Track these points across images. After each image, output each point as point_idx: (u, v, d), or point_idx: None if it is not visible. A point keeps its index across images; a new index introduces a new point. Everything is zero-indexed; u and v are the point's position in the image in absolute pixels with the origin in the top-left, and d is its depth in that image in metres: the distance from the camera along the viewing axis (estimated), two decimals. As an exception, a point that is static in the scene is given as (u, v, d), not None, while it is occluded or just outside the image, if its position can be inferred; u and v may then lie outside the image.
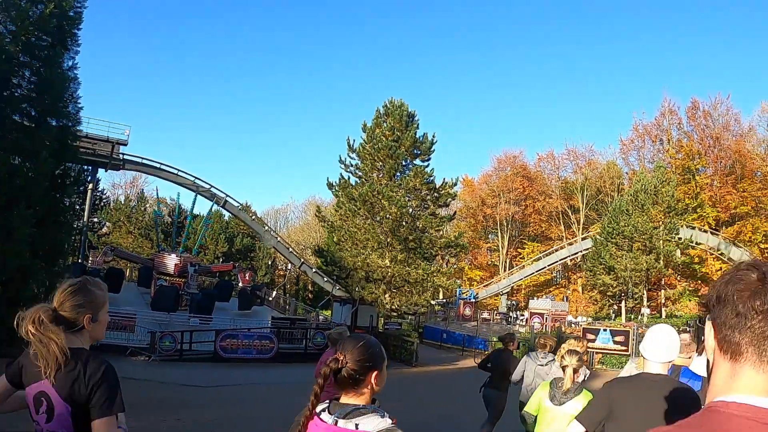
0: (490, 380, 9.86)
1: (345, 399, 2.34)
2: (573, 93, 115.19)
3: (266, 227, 55.59)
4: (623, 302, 50.78)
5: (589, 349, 27.39)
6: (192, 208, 50.82)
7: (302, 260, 51.30)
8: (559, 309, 46.52)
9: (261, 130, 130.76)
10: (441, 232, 36.51)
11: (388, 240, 32.77)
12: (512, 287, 64.27)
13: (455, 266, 68.28)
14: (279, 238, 53.94)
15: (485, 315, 52.82)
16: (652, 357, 3.58)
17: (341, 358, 2.30)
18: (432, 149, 35.13)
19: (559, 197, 71.58)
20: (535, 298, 52.88)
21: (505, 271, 68.28)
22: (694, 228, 52.45)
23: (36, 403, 2.64)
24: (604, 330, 27.31)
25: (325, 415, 2.27)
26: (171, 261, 42.31)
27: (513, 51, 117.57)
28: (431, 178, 34.47)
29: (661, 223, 48.54)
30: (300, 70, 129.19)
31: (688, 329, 46.55)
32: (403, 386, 20.29)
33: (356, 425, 2.19)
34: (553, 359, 7.90)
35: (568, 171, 75.16)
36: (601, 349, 27.24)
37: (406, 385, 20.61)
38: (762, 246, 53.86)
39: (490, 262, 77.51)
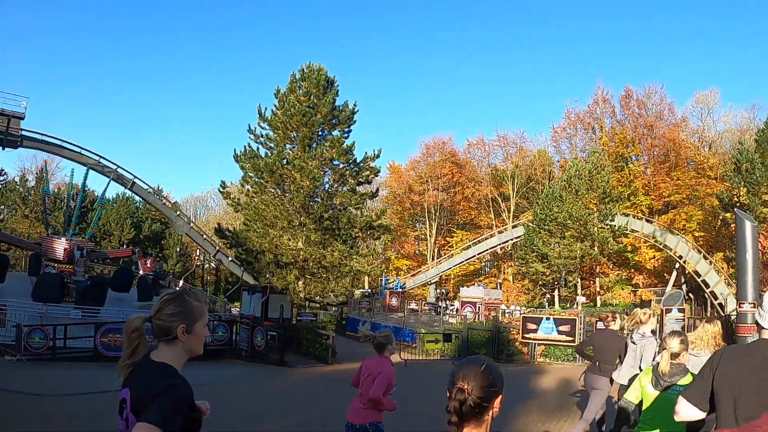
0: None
1: (470, 430, 2.23)
2: (505, 79, 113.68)
3: (178, 212, 50.92)
4: (557, 291, 48.79)
5: (538, 341, 24.79)
6: (104, 192, 46.39)
7: (217, 248, 47.07)
8: (492, 297, 43.87)
9: (179, 115, 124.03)
10: (361, 211, 32.71)
11: (301, 219, 28.79)
12: (441, 277, 61.77)
13: (377, 250, 65.14)
14: (193, 225, 49.60)
15: (413, 305, 49.75)
16: None
17: (466, 387, 2.18)
18: (353, 119, 31.24)
19: (489, 184, 69.56)
20: (466, 286, 50.02)
21: (433, 260, 65.65)
22: (628, 215, 50.83)
23: (120, 408, 2.67)
24: (547, 319, 24.03)
25: None
26: (60, 246, 37.47)
27: (444, 35, 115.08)
28: (351, 151, 30.59)
29: (595, 209, 46.64)
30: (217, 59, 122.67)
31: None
32: (313, 388, 16.65)
33: None
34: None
35: (498, 158, 73.66)
36: (543, 340, 23.99)
37: (316, 388, 16.95)
38: (696, 234, 53.17)
39: (417, 251, 75.38)
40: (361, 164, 30.78)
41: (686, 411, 3.34)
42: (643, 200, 58.22)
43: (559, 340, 23.37)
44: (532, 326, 23.98)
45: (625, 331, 9.64)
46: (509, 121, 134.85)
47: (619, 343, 8.96)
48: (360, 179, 31.06)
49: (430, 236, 70.93)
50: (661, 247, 49.74)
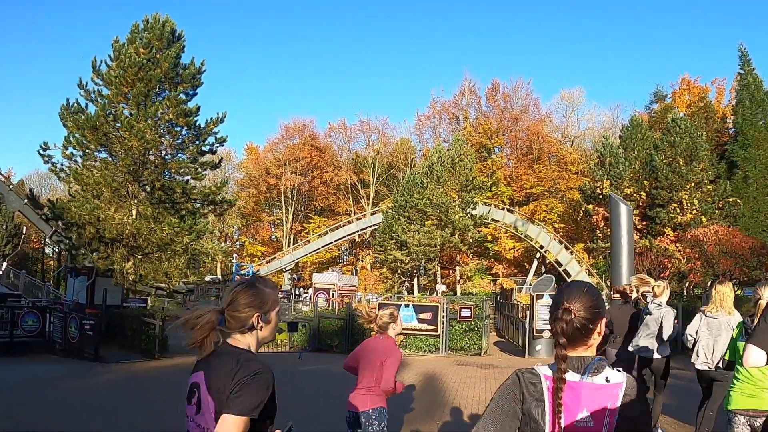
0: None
1: (575, 354, 2.20)
2: (372, 65, 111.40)
3: (11, 186, 44.79)
4: (416, 279, 47.27)
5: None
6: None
7: (54, 228, 41.58)
8: (347, 284, 41.64)
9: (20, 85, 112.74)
10: (201, 182, 28.85)
11: (130, 188, 24.85)
12: (297, 264, 59.22)
13: (229, 232, 61.28)
14: (27, 201, 43.96)
15: (266, 294, 46.43)
16: None
17: (572, 307, 2.19)
18: (199, 80, 27.43)
19: (349, 170, 67.54)
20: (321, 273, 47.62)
21: (289, 246, 62.65)
22: (490, 205, 50.29)
23: (189, 393, 2.62)
24: (407, 306, 21.65)
25: (569, 375, 2.14)
26: None
27: (313, 17, 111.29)
28: (194, 114, 26.82)
29: (457, 197, 45.51)
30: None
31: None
32: (124, 390, 13.31)
33: (606, 378, 2.15)
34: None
35: (360, 144, 72.18)
36: (402, 329, 21.73)
37: (129, 389, 13.59)
38: (557, 225, 53.87)
39: (273, 237, 72.68)
40: (204, 129, 27.05)
41: (756, 356, 3.42)
42: (505, 191, 58.34)
43: (420, 330, 21.08)
44: (391, 314, 21.68)
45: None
46: (374, 107, 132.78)
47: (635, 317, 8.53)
48: (203, 148, 27.30)
49: (286, 222, 68.26)
50: (522, 237, 49.72)
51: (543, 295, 20.45)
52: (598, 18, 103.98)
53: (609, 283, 26.07)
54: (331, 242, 57.91)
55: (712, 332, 6.81)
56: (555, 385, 2.11)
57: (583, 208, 45.74)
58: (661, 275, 24.32)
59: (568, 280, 43.21)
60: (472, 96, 67.32)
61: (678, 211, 38.72)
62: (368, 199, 65.61)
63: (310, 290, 44.49)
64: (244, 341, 2.65)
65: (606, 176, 42.33)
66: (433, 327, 21.05)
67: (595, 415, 2.11)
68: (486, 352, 21.90)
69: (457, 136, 53.68)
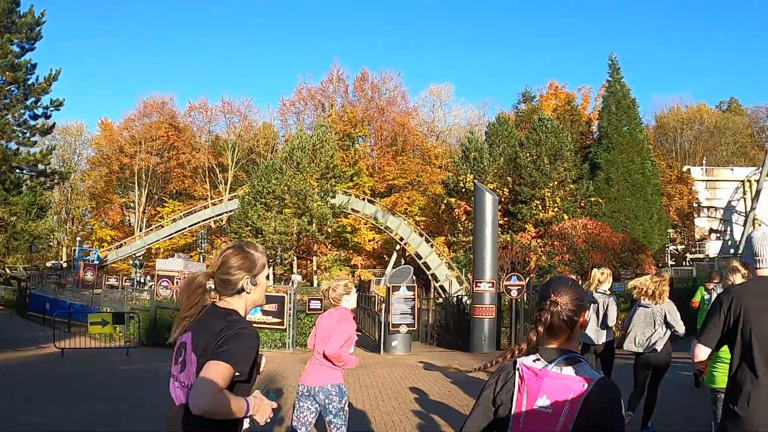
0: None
1: (556, 344, 2.32)
2: (238, 44, 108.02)
3: None
4: (272, 269, 46.03)
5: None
6: None
7: None
8: (194, 271, 39.54)
9: None
10: (29, 150, 25.72)
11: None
12: (148, 250, 56.09)
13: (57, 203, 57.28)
14: None
15: (112, 281, 43.66)
16: None
17: (559, 300, 2.29)
18: (37, 32, 24.41)
19: (207, 153, 64.82)
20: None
21: (141, 231, 59.38)
22: (350, 195, 49.75)
23: (177, 353, 2.72)
24: None
25: (539, 363, 2.26)
26: None
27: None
28: (25, 69, 23.84)
29: (317, 185, 44.64)
30: None
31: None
32: None
33: (574, 371, 2.20)
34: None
35: (221, 126, 69.79)
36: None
37: None
38: (418, 218, 53.85)
39: (125, 221, 69.15)
40: (35, 86, 24.15)
41: (704, 353, 3.63)
42: (366, 181, 57.69)
43: (265, 323, 19.98)
44: (233, 305, 20.26)
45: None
46: (238, 89, 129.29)
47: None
48: (35, 110, 24.38)
49: (138, 205, 64.85)
50: (382, 228, 49.30)
51: (399, 287, 19.52)
52: (473, 18, 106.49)
53: (470, 276, 26.11)
54: (186, 228, 55.35)
55: (647, 319, 7.49)
56: (523, 370, 2.27)
57: (445, 201, 46.08)
58: (526, 269, 24.46)
59: (428, 273, 43.59)
60: (340, 84, 66.60)
61: (540, 207, 39.17)
62: (226, 184, 63.24)
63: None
64: (234, 304, 2.71)
65: (470, 170, 42.70)
66: (279, 320, 19.82)
67: (554, 403, 2.17)
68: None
69: (320, 121, 52.81)
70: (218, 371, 2.38)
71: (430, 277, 43.33)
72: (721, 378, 4.98)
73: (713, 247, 50.29)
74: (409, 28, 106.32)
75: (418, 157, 60.55)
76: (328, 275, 49.22)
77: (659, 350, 7.34)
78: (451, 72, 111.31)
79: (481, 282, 18.35)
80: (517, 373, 2.27)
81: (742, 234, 47.25)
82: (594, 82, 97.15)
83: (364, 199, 50.94)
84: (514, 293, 18.55)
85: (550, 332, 2.29)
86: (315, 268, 49.31)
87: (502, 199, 41.63)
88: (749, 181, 55.93)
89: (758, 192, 47.40)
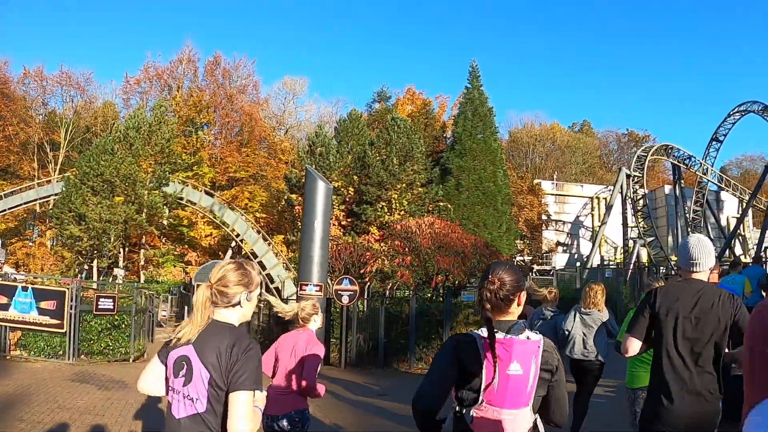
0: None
1: (500, 318, 2.65)
2: (81, 9, 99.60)
3: None
4: (95, 261, 41.48)
5: (11, 323, 16.91)
6: None
7: None
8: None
9: None
10: None
11: None
12: (-38, 234, 49.21)
13: None
14: None
15: None
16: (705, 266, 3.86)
17: (496, 281, 2.62)
18: None
19: (39, 127, 58.26)
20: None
21: (-47, 211, 52.44)
22: (187, 184, 45.95)
23: (176, 366, 2.78)
24: (25, 289, 16.48)
25: (498, 334, 2.56)
26: None
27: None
28: None
29: (151, 170, 40.70)
30: None
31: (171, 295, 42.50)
32: None
33: (527, 337, 2.58)
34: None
35: (57, 100, 63.12)
36: (18, 322, 16.31)
37: None
38: (259, 215, 51.21)
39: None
40: None
41: (635, 346, 3.85)
42: (207, 172, 53.93)
43: (39, 323, 16.23)
44: (3, 299, 16.42)
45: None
46: (78, 60, 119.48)
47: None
48: None
49: (-50, 181, 56.96)
50: (218, 223, 45.91)
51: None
52: (337, 15, 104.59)
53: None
54: (6, 210, 49.37)
55: (586, 326, 7.65)
56: (489, 342, 2.53)
57: (285, 197, 43.44)
58: (362, 271, 21.64)
59: (264, 273, 40.69)
60: (190, 66, 62.61)
61: (386, 210, 37.61)
62: (56, 163, 57.20)
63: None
64: (229, 317, 2.88)
65: (314, 166, 40.30)
66: (57, 321, 16.04)
67: (523, 365, 2.55)
68: (144, 356, 17.74)
69: (160, 101, 48.68)
70: (248, 401, 2.66)
71: (264, 278, 40.51)
72: (644, 377, 5.08)
73: (559, 260, 51.00)
74: (269, 15, 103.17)
75: (264, 150, 58.29)
76: (161, 271, 45.35)
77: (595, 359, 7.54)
78: (308, 66, 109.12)
79: (307, 284, 15.64)
80: (479, 344, 2.58)
81: (592, 249, 48.22)
82: (452, 92, 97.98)
83: (201, 190, 47.12)
84: (345, 299, 16.31)
85: (496, 309, 2.63)
86: (142, 262, 45.09)
87: (347, 199, 39.56)
88: (597, 198, 57.55)
89: (609, 208, 48.42)
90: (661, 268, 39.25)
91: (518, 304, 2.66)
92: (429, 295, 19.61)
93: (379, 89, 64.56)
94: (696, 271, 3.82)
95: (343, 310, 16.66)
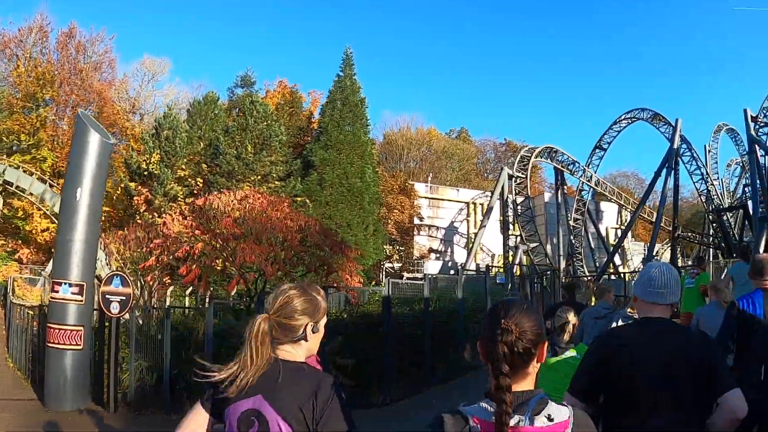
0: None
1: (515, 386, 1.88)
2: None
3: None
4: None
5: None
6: None
7: None
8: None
9: None
10: None
11: None
12: None
13: None
14: None
15: None
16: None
17: (513, 328, 1.89)
18: None
19: None
20: None
21: None
22: (18, 167, 39.93)
23: (243, 423, 2.34)
24: None
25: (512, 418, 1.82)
26: None
27: None
28: None
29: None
30: None
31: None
32: None
33: (549, 417, 1.87)
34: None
35: None
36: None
37: None
38: (105, 208, 44.39)
39: None
40: None
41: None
42: (47, 155, 47.07)
43: None
44: None
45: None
46: None
47: None
48: None
49: None
50: (49, 214, 40.06)
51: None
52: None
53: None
54: None
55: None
56: (497, 429, 1.78)
57: (123, 185, 38.28)
58: (142, 265, 16.80)
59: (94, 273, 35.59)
60: (41, 36, 55.67)
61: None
62: None
63: None
64: (295, 353, 2.47)
65: (159, 150, 35.63)
66: None
67: None
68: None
69: (-1, 73, 42.49)
70: None
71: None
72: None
73: (432, 267, 48.23)
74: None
75: (116, 136, 51.71)
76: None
77: None
78: (172, 48, 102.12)
79: (61, 284, 11.34)
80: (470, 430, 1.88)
81: (468, 255, 45.85)
82: (327, 89, 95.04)
83: (35, 175, 40.95)
84: (114, 308, 11.35)
85: (511, 367, 1.87)
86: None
87: (194, 191, 34.94)
88: (474, 203, 55.43)
89: (489, 210, 45.90)
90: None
91: (538, 361, 1.94)
92: (239, 305, 15.16)
93: (244, 73, 59.84)
94: (659, 303, 3.10)
95: (112, 323, 11.62)
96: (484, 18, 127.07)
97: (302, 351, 2.48)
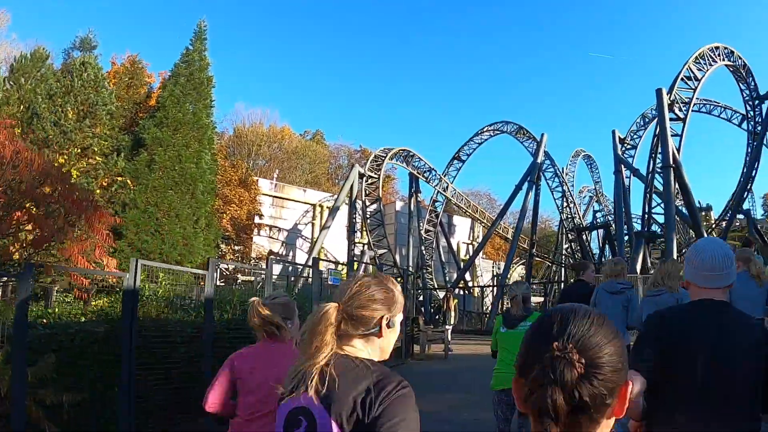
0: None
1: None
2: None
3: None
4: None
5: None
6: None
7: None
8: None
9: None
10: None
11: None
12: None
13: None
14: None
15: None
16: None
17: (576, 359, 1.12)
18: None
19: None
20: None
21: None
22: None
23: (290, 422, 2.06)
24: None
25: None
26: None
27: None
28: None
29: None
30: None
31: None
32: None
33: None
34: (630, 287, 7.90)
35: None
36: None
37: None
38: None
39: None
40: None
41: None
42: None
43: None
44: None
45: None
46: None
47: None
48: None
49: None
50: None
51: None
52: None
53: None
54: None
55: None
56: None
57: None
58: None
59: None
60: None
61: (48, 181, 27.79)
62: None
63: None
64: (364, 349, 2.13)
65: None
66: None
67: None
68: None
69: None
70: None
71: None
72: (496, 381, 5.75)
73: (276, 270, 43.88)
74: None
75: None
76: None
77: None
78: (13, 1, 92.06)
79: None
80: None
81: (307, 260, 41.90)
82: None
83: None
84: None
85: (565, 428, 1.11)
86: None
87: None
88: (321, 206, 51.87)
89: (335, 210, 42.03)
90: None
91: (615, 415, 1.15)
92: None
93: (84, 35, 53.17)
94: (715, 288, 2.64)
95: None
96: (350, 20, 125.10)
97: (374, 349, 2.13)
